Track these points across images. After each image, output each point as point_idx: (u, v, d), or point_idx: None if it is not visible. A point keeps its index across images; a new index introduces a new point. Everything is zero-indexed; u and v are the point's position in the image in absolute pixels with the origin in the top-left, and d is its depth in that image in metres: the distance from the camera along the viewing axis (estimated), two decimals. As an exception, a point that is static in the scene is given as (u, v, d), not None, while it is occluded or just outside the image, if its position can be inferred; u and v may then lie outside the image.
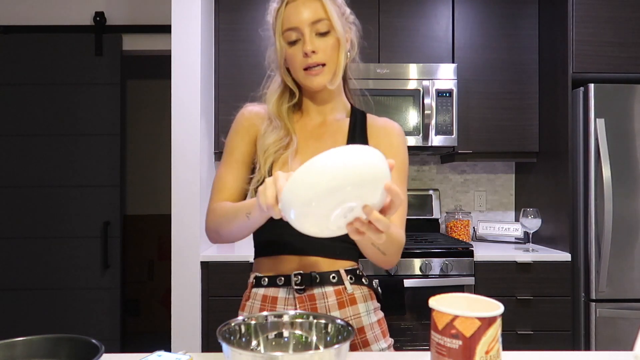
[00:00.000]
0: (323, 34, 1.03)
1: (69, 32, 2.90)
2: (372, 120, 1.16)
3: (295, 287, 1.03)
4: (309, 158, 1.03)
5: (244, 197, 1.09)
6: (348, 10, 1.10)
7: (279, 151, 1.06)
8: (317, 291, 1.03)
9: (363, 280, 1.09)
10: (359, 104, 1.21)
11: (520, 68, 2.63)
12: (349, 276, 1.06)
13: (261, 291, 1.06)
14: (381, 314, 1.11)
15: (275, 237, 1.06)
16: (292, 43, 1.04)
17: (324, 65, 1.04)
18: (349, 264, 1.08)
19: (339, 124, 1.13)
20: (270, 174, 1.04)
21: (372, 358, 0.95)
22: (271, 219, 1.04)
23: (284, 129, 1.08)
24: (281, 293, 1.04)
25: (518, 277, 2.30)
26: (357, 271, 1.09)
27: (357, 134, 1.12)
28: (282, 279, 1.05)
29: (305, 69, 1.04)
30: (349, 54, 1.09)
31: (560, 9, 2.42)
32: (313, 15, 1.02)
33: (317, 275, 1.03)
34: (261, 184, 1.01)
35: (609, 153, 2.23)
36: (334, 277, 1.05)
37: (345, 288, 1.05)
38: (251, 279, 1.10)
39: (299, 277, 1.03)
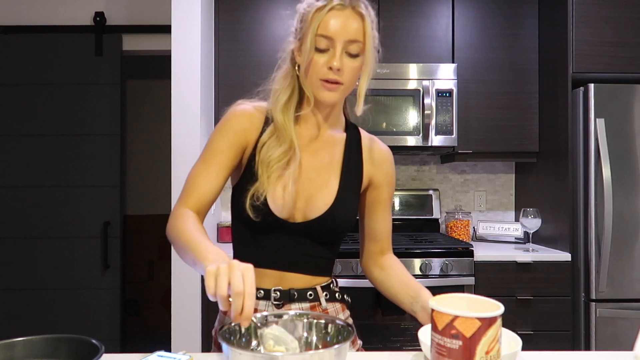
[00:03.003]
0: (352, 56, 1.00)
1: (69, 32, 2.90)
2: (366, 140, 1.17)
3: (274, 302, 1.05)
4: (305, 177, 1.06)
5: (212, 203, 1.05)
6: (377, 35, 1.06)
7: (282, 167, 1.03)
8: (294, 307, 1.06)
9: (336, 296, 1.13)
10: (358, 121, 1.19)
11: (520, 68, 2.63)
12: (324, 293, 1.09)
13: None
14: (350, 321, 1.14)
15: (257, 249, 1.06)
16: (320, 50, 1.00)
17: (342, 84, 1.01)
18: (325, 280, 1.11)
19: (335, 139, 1.12)
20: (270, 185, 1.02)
21: (372, 358, 0.95)
22: (253, 231, 1.05)
23: (288, 141, 1.04)
24: (260, 305, 1.06)
25: (518, 277, 2.30)
26: (332, 286, 1.12)
27: (353, 153, 1.13)
28: (262, 292, 1.05)
29: (322, 80, 1.01)
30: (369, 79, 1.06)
31: (560, 9, 2.42)
32: (352, 34, 0.99)
33: (295, 293, 1.06)
34: (260, 202, 1.00)
35: (609, 153, 2.22)
36: (310, 295, 1.07)
37: (320, 304, 1.08)
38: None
39: (278, 293, 1.05)
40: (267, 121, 1.07)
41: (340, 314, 1.12)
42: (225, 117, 1.08)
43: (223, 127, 1.07)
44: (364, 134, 1.17)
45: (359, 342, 1.15)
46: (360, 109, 1.06)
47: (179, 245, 0.94)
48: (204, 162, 1.05)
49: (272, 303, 1.05)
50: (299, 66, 1.05)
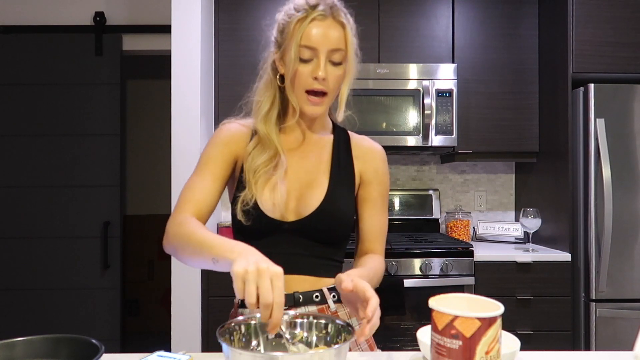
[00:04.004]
0: (335, 64, 1.02)
1: (69, 32, 2.90)
2: (356, 139, 1.17)
3: None
4: (294, 178, 1.08)
5: (211, 212, 1.05)
6: (356, 41, 1.07)
7: (269, 172, 1.05)
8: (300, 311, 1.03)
9: None
10: (344, 122, 1.19)
11: (520, 68, 2.63)
12: (332, 294, 1.06)
13: (247, 311, 1.05)
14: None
15: None
16: (303, 61, 1.01)
17: (325, 94, 1.03)
18: (331, 282, 1.08)
19: (322, 141, 1.14)
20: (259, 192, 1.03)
21: (371, 358, 0.95)
22: (249, 238, 1.04)
23: (273, 148, 1.06)
24: None
25: (518, 277, 2.30)
26: None
27: (342, 152, 1.13)
28: None
29: (308, 92, 1.02)
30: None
31: (560, 9, 2.42)
32: (335, 43, 1.01)
33: (301, 296, 1.04)
34: (250, 207, 1.01)
35: (609, 153, 2.22)
36: (317, 297, 1.05)
37: (329, 306, 1.06)
38: (236, 299, 1.11)
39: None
40: (254, 134, 1.10)
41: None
42: (214, 134, 1.12)
43: (213, 141, 1.10)
44: (353, 135, 1.19)
45: (378, 350, 1.12)
46: (341, 114, 1.08)
47: (189, 250, 0.92)
48: (197, 173, 1.06)
49: None
50: (280, 76, 1.07)
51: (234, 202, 1.06)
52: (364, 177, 1.15)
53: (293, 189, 1.07)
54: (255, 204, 1.02)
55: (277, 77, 1.07)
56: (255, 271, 0.74)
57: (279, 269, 0.75)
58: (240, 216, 1.03)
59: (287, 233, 1.05)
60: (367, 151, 1.16)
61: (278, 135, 1.08)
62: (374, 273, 1.03)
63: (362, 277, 0.90)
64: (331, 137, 1.15)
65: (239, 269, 0.74)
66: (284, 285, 0.75)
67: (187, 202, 1.02)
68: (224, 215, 2.87)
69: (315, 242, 1.07)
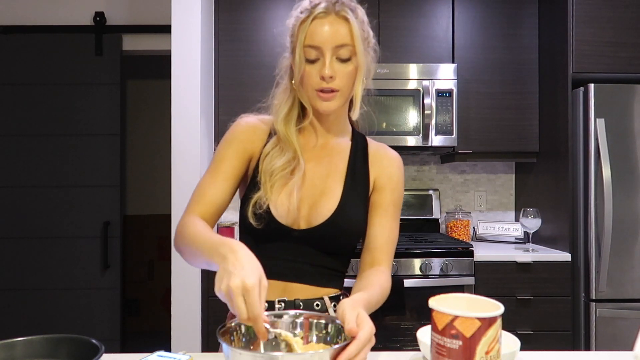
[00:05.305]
0: (344, 60, 1.00)
1: (69, 32, 2.90)
2: (374, 146, 1.15)
3: None
4: (309, 184, 1.06)
5: (221, 212, 1.04)
6: (371, 34, 1.06)
7: (286, 176, 1.03)
8: None
9: None
10: (361, 124, 1.18)
11: (520, 68, 2.63)
12: (332, 303, 1.06)
13: None
14: None
15: (261, 260, 1.02)
16: (310, 61, 1.00)
17: (337, 91, 1.01)
18: (334, 291, 1.08)
19: (340, 147, 1.12)
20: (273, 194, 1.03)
21: (371, 358, 0.95)
22: (257, 240, 1.04)
23: (292, 151, 1.04)
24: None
25: (518, 277, 2.30)
26: (341, 297, 1.10)
27: (358, 160, 1.11)
28: (266, 304, 1.03)
29: (317, 90, 1.01)
30: (365, 81, 1.05)
31: (560, 9, 2.42)
32: (339, 39, 0.98)
33: (301, 303, 1.03)
34: (263, 210, 1.00)
35: (609, 153, 2.23)
36: (317, 305, 1.05)
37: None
38: None
39: (283, 304, 1.02)
40: (272, 134, 1.08)
41: None
42: (231, 129, 1.09)
43: (228, 138, 1.08)
44: (371, 142, 1.16)
45: None
46: (356, 113, 1.06)
47: (190, 251, 0.93)
48: (210, 172, 1.05)
49: None
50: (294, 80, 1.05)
51: (245, 202, 1.04)
52: (378, 183, 1.12)
53: (306, 195, 1.05)
54: (268, 208, 1.01)
55: (292, 81, 1.06)
56: (227, 290, 0.75)
57: (250, 282, 0.74)
58: (251, 218, 1.01)
59: (294, 241, 1.04)
60: (383, 158, 1.14)
61: (298, 137, 1.06)
62: (380, 296, 0.99)
63: (368, 304, 0.89)
64: (349, 143, 1.13)
65: (216, 288, 0.76)
66: (259, 296, 0.75)
67: (196, 203, 1.02)
68: (224, 215, 2.87)
69: (321, 252, 1.06)
